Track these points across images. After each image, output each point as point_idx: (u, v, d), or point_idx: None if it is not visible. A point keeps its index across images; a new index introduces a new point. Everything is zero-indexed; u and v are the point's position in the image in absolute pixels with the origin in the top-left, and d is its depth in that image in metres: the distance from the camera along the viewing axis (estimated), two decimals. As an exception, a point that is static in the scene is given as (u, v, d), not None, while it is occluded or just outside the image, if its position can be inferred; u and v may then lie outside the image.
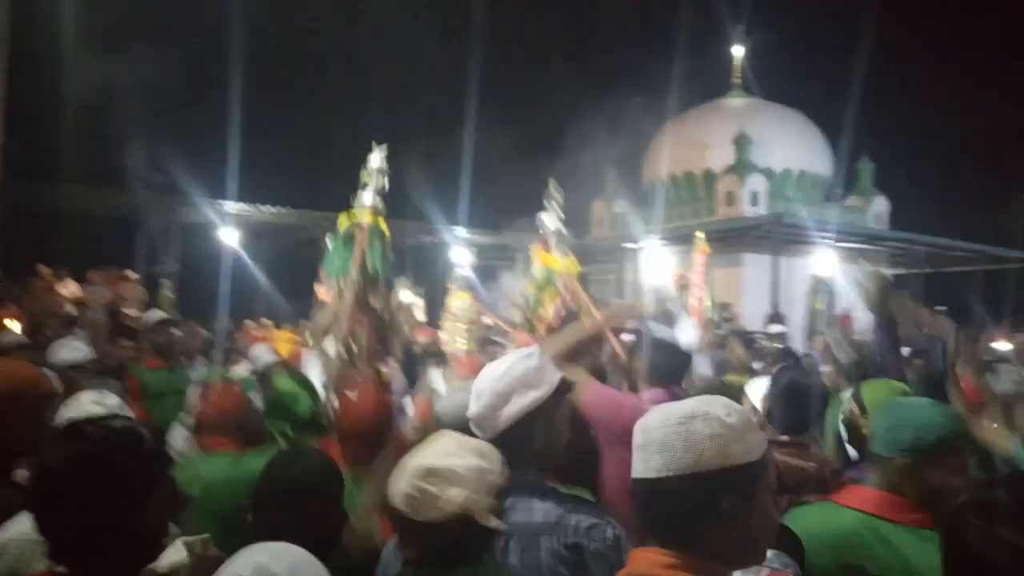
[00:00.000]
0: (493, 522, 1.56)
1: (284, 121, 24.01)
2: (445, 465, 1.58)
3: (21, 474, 2.66)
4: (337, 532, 1.91)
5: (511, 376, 1.84)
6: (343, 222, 5.10)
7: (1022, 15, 37.16)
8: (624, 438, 1.51)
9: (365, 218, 5.01)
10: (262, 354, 6.06)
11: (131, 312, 12.91)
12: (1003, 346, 8.13)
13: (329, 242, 5.17)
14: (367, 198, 5.06)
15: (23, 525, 1.85)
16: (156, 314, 6.16)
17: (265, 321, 13.94)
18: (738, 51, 26.87)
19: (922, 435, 1.89)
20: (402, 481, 1.60)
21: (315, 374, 4.14)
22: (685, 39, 20.05)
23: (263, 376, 4.70)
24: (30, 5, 12.81)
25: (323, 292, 5.03)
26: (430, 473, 1.57)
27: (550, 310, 5.32)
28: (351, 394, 3.02)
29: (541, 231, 5.70)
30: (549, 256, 5.50)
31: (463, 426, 2.12)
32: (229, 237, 15.05)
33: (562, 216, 5.74)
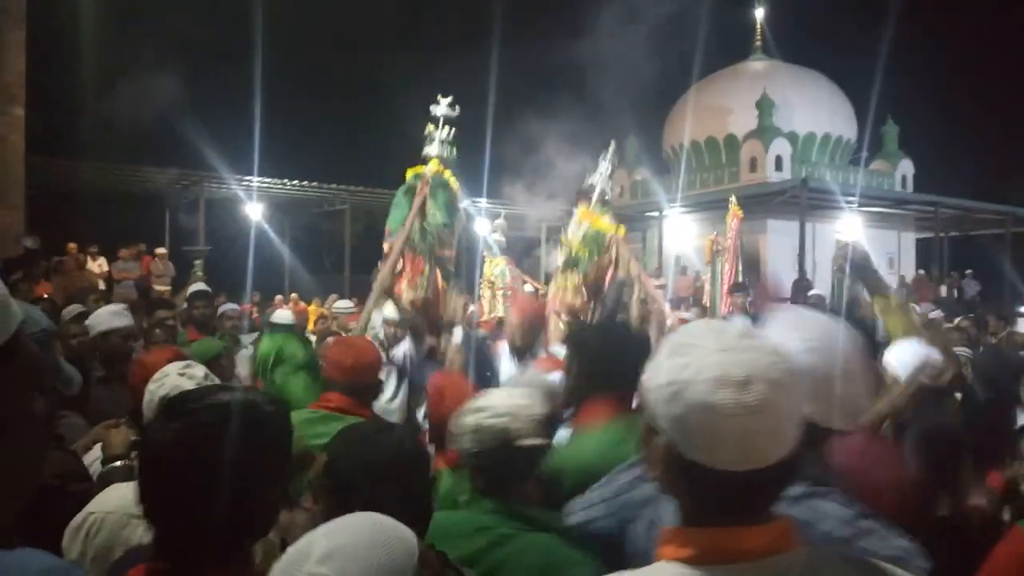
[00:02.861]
0: (535, 441, 1.83)
1: (306, 96, 23.92)
2: (486, 403, 1.91)
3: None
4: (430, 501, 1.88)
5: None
6: (408, 175, 5.01)
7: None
8: None
9: (430, 168, 4.92)
10: (282, 315, 6.21)
11: (161, 288, 13.05)
12: None
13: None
14: (433, 148, 4.99)
15: (120, 499, 1.84)
16: (196, 286, 6.19)
17: (294, 296, 14.04)
18: (759, 14, 26.35)
19: None
20: (461, 420, 1.93)
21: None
22: (705, 2, 19.64)
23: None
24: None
25: (387, 247, 4.94)
26: (477, 410, 1.90)
27: (601, 266, 5.24)
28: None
29: (583, 189, 5.61)
30: (593, 215, 5.40)
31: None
32: (254, 212, 15.06)
33: (609, 179, 5.63)
